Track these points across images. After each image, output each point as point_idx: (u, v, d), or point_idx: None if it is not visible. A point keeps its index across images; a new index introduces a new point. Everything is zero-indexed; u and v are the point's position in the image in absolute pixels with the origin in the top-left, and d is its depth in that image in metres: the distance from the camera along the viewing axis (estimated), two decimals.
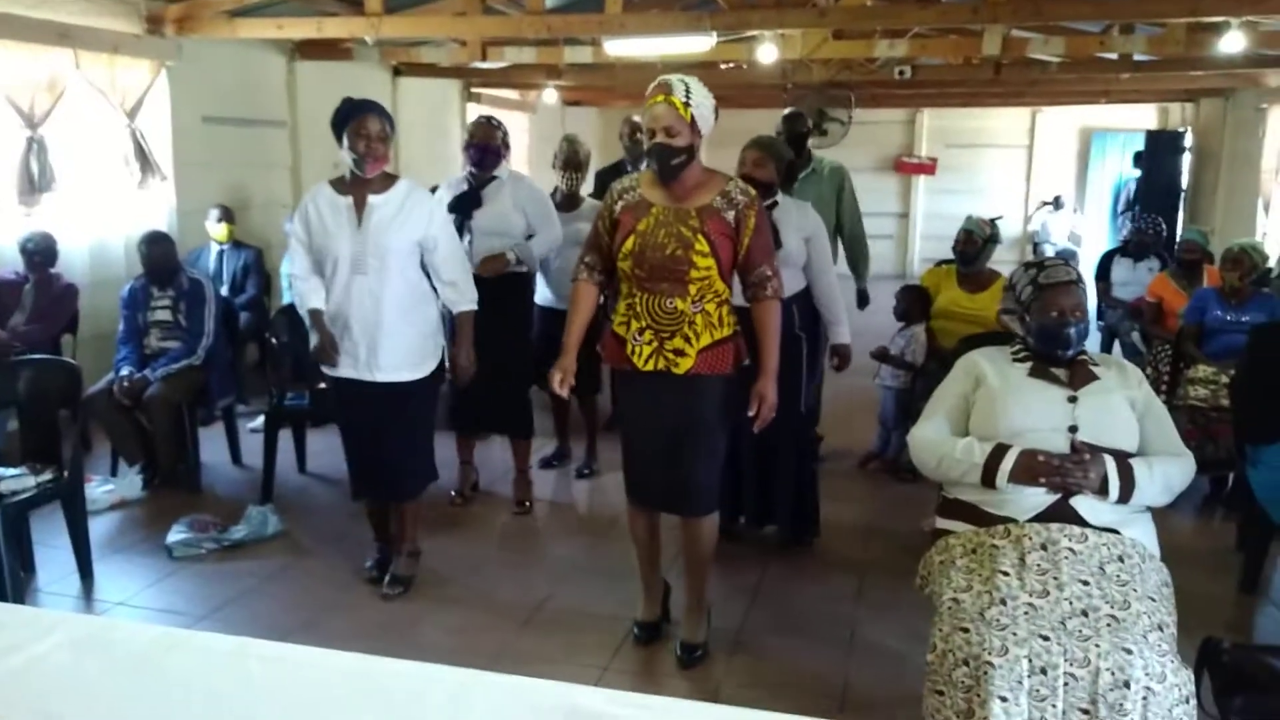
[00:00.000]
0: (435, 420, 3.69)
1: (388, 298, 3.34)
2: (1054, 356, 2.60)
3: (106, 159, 5.80)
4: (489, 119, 4.28)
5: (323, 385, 4.06)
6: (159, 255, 4.71)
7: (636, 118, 5.90)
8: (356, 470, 3.64)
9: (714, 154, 2.94)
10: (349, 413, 3.56)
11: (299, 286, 3.46)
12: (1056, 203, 12.23)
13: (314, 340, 3.44)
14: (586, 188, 5.12)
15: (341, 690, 1.59)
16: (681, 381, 2.91)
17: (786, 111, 4.93)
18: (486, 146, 4.17)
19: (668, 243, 2.85)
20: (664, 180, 2.88)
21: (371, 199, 3.32)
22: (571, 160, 4.76)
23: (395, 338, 3.37)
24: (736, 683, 3.03)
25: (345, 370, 3.43)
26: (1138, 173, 11.77)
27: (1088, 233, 12.31)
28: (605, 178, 5.76)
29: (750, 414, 2.90)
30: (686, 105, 2.78)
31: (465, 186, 4.23)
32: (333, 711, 1.55)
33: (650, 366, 2.92)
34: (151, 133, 5.98)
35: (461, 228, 4.08)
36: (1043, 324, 2.59)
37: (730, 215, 2.87)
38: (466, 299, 3.54)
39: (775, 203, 3.67)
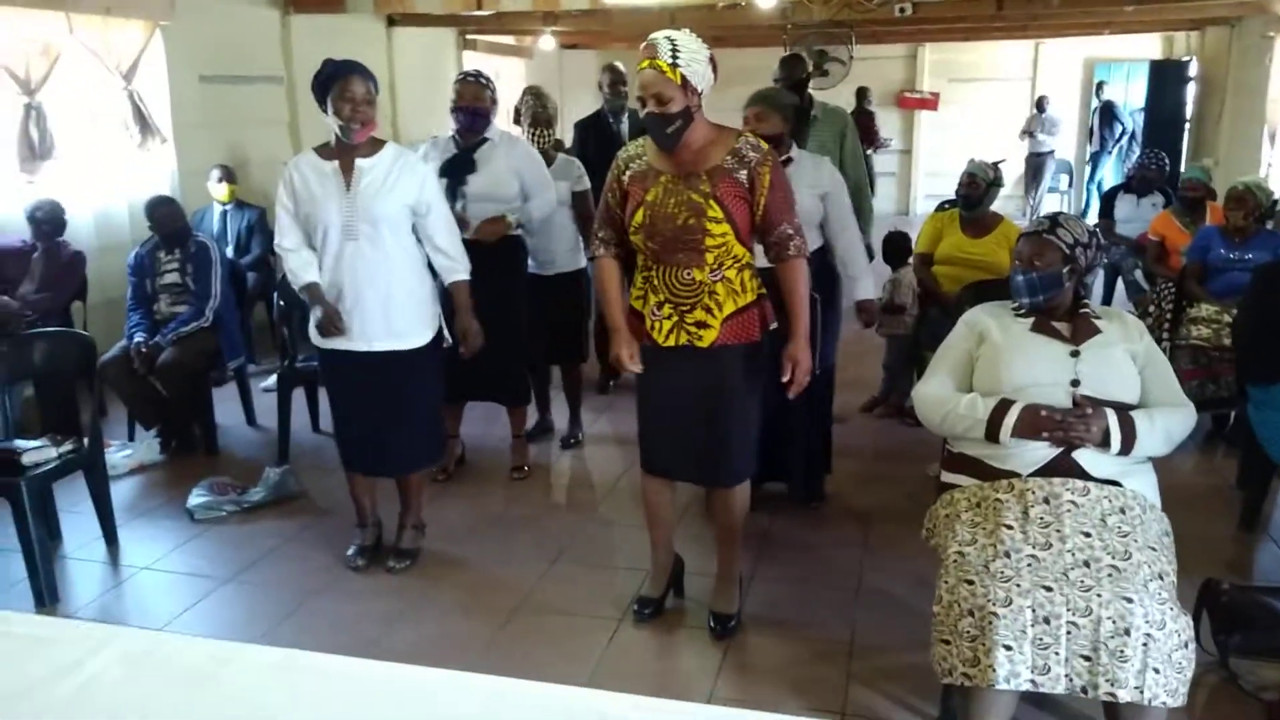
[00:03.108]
0: (440, 393, 3.61)
1: (381, 263, 3.25)
2: (1022, 305, 2.68)
3: (105, 123, 5.80)
4: (477, 75, 4.04)
5: None
6: (166, 217, 4.73)
7: (619, 64, 5.73)
8: (349, 443, 3.54)
9: (713, 96, 2.84)
10: (341, 384, 3.46)
11: (291, 262, 3.34)
12: (1040, 105, 12.06)
13: (315, 315, 3.36)
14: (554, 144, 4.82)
15: (383, 701, 1.61)
16: (707, 354, 2.82)
17: (784, 55, 4.73)
18: (476, 110, 3.94)
19: (678, 212, 2.73)
20: (664, 150, 2.78)
21: (360, 163, 3.22)
22: (540, 117, 4.49)
23: (390, 304, 3.29)
24: (746, 634, 3.11)
25: (338, 341, 3.33)
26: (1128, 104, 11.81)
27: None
28: (584, 130, 5.55)
29: (785, 379, 2.80)
30: (674, 66, 2.64)
31: (453, 149, 4.01)
32: None
33: (672, 341, 2.83)
34: (149, 94, 5.95)
35: (455, 193, 3.93)
36: (1010, 273, 2.71)
37: (743, 174, 2.74)
38: (461, 267, 3.42)
39: (789, 159, 3.56)
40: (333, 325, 3.30)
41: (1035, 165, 12.19)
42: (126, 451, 4.58)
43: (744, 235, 2.79)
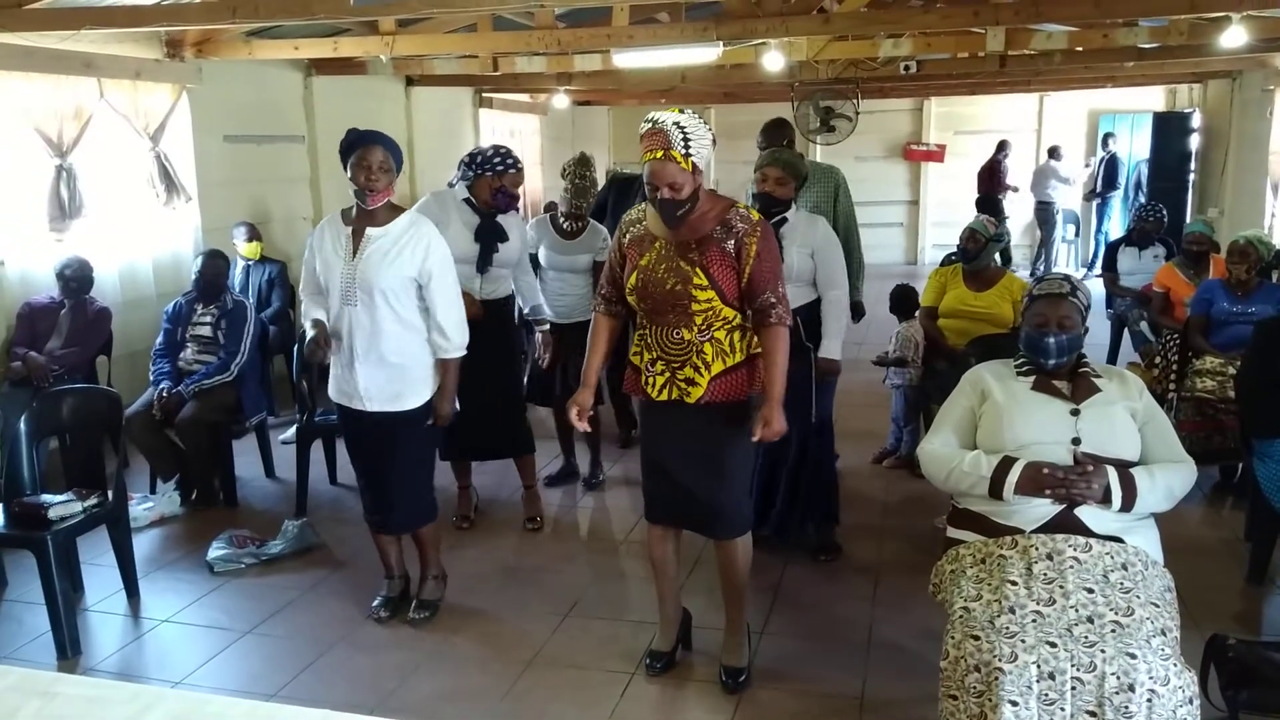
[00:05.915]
0: (432, 456, 3.67)
1: (374, 330, 3.32)
2: (1044, 366, 2.72)
3: (132, 182, 5.96)
4: (520, 166, 4.18)
5: None
6: (214, 271, 4.91)
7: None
8: (363, 493, 3.66)
9: (721, 145, 2.93)
10: (347, 439, 3.62)
11: (305, 301, 3.51)
12: (1054, 154, 12.06)
13: (309, 335, 3.47)
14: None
15: None
16: (695, 410, 2.93)
17: (768, 121, 4.67)
18: (517, 195, 4.20)
19: (667, 278, 2.87)
20: (670, 228, 2.89)
21: (370, 231, 3.30)
22: (579, 187, 4.64)
23: (384, 369, 3.36)
24: (757, 688, 3.15)
25: (339, 397, 3.49)
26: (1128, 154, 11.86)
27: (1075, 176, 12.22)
28: (620, 189, 5.69)
29: (754, 438, 2.91)
30: (687, 156, 2.76)
31: (470, 211, 4.12)
32: None
33: (664, 396, 2.96)
34: (175, 154, 6.13)
35: (487, 258, 4.10)
36: (1028, 332, 2.76)
37: (730, 245, 2.86)
38: (451, 347, 3.41)
39: (784, 219, 3.71)
40: (317, 345, 3.40)
41: (1039, 217, 12.05)
42: (148, 504, 4.66)
43: (730, 299, 2.90)
